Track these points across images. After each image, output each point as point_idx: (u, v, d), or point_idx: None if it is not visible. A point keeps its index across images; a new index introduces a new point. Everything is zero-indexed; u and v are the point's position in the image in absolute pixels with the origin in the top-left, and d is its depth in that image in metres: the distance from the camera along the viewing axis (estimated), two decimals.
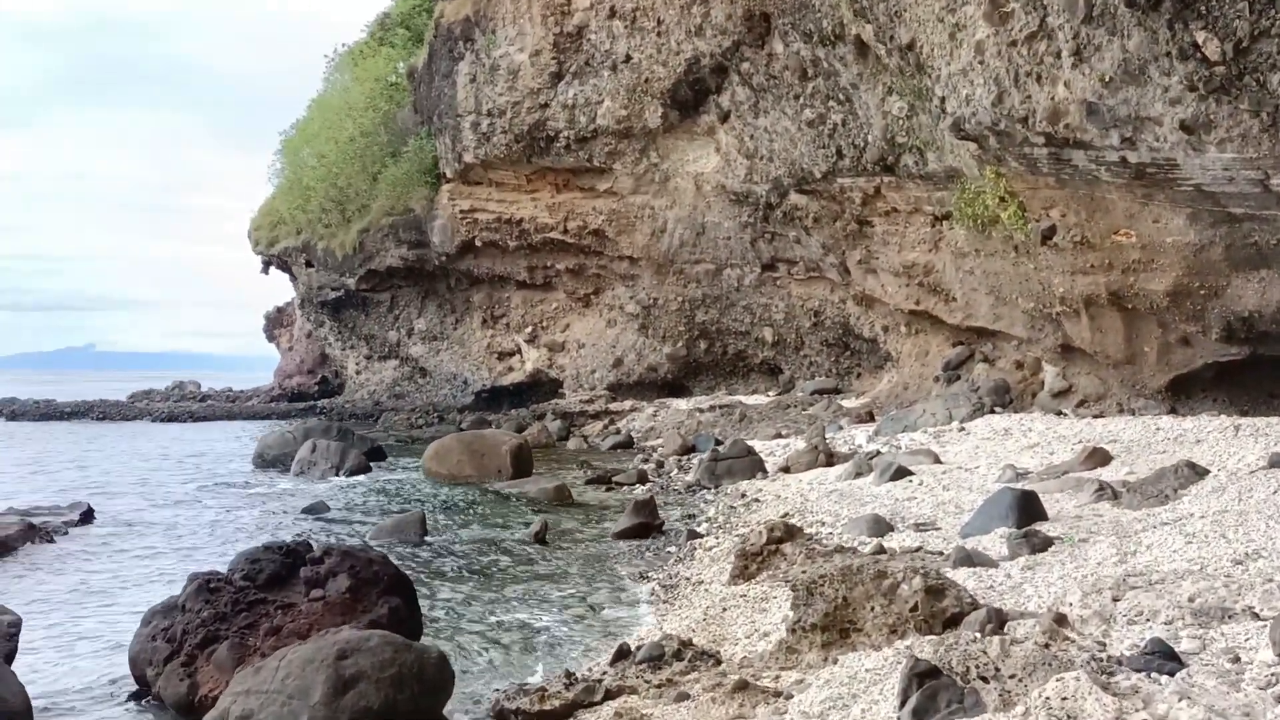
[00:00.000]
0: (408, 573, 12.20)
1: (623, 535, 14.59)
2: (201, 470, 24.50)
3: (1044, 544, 9.56)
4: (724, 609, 8.89)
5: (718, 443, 25.00)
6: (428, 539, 14.37)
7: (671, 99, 32.22)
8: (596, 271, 38.72)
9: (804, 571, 8.47)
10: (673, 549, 13.39)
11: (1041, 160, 15.57)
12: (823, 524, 12.83)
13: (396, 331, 45.97)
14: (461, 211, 40.25)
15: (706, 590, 10.02)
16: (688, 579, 11.03)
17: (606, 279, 38.66)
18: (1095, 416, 18.22)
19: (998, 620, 6.62)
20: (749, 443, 25.04)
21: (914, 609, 6.87)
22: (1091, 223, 16.13)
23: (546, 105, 35.52)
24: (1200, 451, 13.10)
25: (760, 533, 11.38)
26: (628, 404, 36.32)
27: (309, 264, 47.51)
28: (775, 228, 31.33)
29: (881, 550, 9.99)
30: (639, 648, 7.78)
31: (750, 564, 9.97)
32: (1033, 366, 22.29)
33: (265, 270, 55.12)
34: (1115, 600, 6.42)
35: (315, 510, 16.73)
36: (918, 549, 10.11)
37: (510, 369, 42.74)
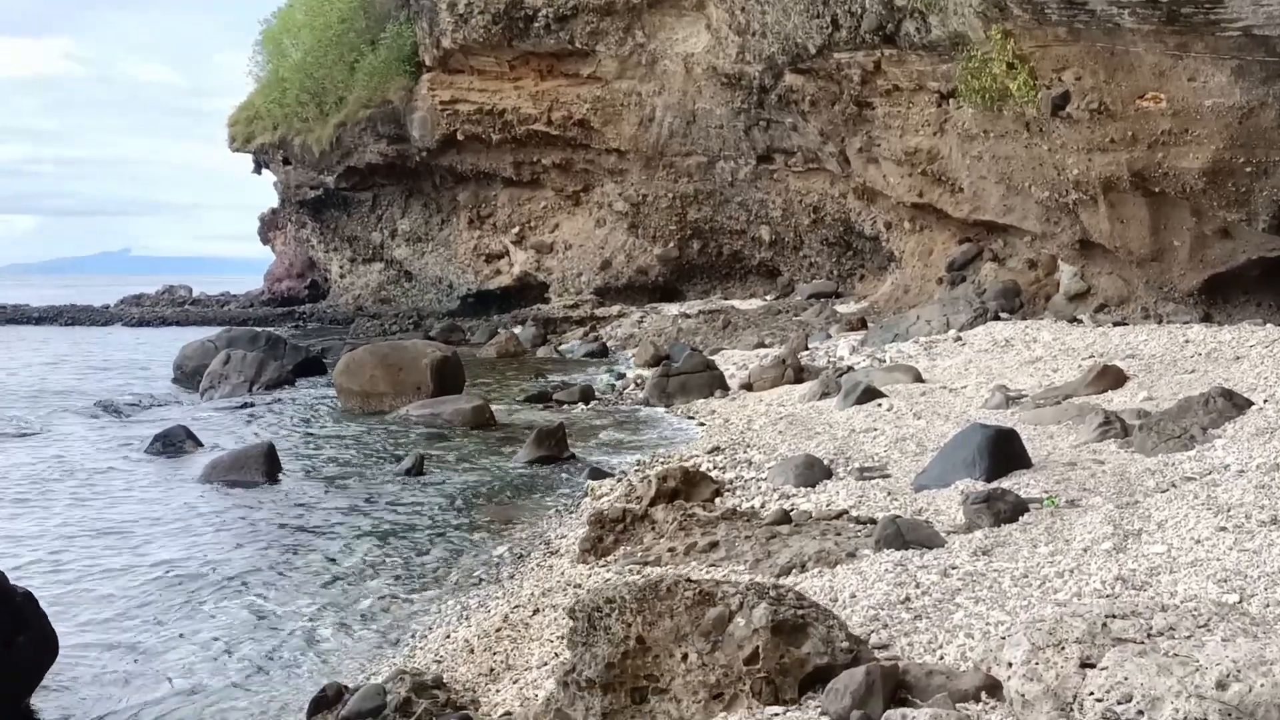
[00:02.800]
0: (217, 525, 9.76)
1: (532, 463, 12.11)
2: (107, 383, 21.98)
3: (1014, 510, 6.80)
4: (535, 611, 6.19)
5: (694, 352, 22.28)
6: (280, 477, 11.75)
7: None
8: (584, 167, 35.68)
9: (606, 584, 5.73)
10: (568, 489, 10.74)
11: (1051, 5, 12.46)
12: (749, 464, 10.09)
13: (380, 233, 43.14)
14: (442, 103, 37.11)
15: (549, 570, 7.31)
16: (548, 544, 8.33)
17: (595, 175, 35.62)
18: (1116, 324, 15.27)
19: (883, 686, 3.90)
20: (726, 352, 22.38)
21: (752, 659, 4.14)
22: (1112, 85, 13.01)
23: None
24: (1240, 373, 10.21)
25: (650, 482, 8.67)
26: (615, 309, 33.45)
27: (286, 161, 44.57)
28: (770, 114, 28.17)
29: (785, 517, 7.23)
30: (357, 690, 5.12)
31: (606, 535, 7.24)
32: (1047, 266, 19.28)
33: (257, 170, 52.33)
34: (1085, 667, 3.67)
35: (170, 440, 13.99)
36: (840, 514, 7.34)
37: (498, 272, 39.98)
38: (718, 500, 8.43)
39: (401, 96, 38.52)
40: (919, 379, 13.60)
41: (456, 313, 38.99)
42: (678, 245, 33.89)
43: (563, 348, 27.76)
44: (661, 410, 16.06)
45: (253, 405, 18.41)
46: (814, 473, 8.97)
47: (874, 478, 8.73)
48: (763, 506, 8.15)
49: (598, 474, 10.99)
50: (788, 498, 8.45)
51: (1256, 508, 5.73)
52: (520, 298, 38.48)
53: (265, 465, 11.78)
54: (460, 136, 37.12)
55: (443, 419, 15.58)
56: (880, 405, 12.05)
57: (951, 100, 20.20)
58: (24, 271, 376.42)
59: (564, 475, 11.55)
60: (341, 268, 46.11)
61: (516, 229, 38.74)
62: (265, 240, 61.41)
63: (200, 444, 14.25)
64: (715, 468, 10.03)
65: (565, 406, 17.15)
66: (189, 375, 22.19)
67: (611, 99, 32.74)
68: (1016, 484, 7.58)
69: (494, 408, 16.33)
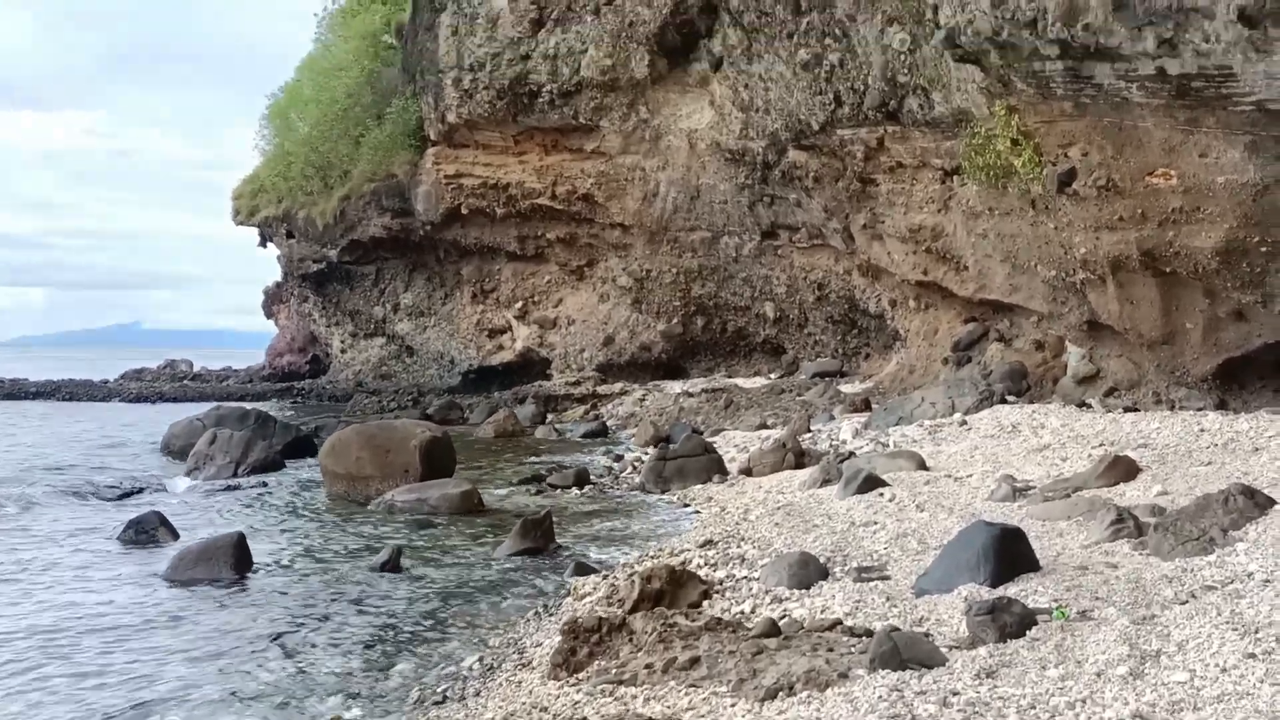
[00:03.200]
0: (167, 632, 9.10)
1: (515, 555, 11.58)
2: (94, 461, 21.47)
3: (1021, 623, 6.24)
4: None
5: (697, 433, 21.77)
6: (249, 570, 11.17)
7: (659, 45, 28.88)
8: (588, 241, 35.39)
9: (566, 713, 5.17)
10: (551, 587, 10.16)
11: (1056, 79, 12.07)
12: (742, 560, 9.53)
13: (382, 307, 42.81)
14: (446, 177, 36.98)
15: (517, 686, 6.74)
16: (521, 653, 7.75)
17: (599, 249, 35.32)
18: (1127, 409, 14.73)
19: None
20: (728, 433, 21.90)
21: None
22: (1120, 161, 12.59)
23: (528, 57, 32.20)
24: (1259, 466, 9.67)
25: (634, 582, 8.13)
26: (617, 386, 32.98)
27: (290, 234, 44.43)
28: (774, 189, 27.90)
29: (773, 630, 6.66)
30: None
31: (580, 646, 6.68)
32: (1055, 347, 18.81)
33: (262, 243, 52.26)
34: None
35: (143, 528, 13.35)
36: (833, 625, 6.78)
37: (500, 347, 39.53)
38: (705, 603, 7.88)
39: (406, 170, 38.45)
40: (923, 466, 13.05)
41: (457, 389, 38.54)
42: (681, 321, 33.49)
43: (561, 426, 27.23)
44: (657, 496, 15.51)
45: (238, 488, 17.87)
46: (809, 572, 8.40)
47: (872, 579, 8.17)
48: (753, 611, 7.60)
49: (583, 569, 10.43)
50: (780, 601, 7.89)
51: None
52: (522, 374, 38.00)
53: (234, 558, 11.16)
54: (464, 210, 36.93)
55: (428, 505, 14.98)
56: (882, 495, 11.50)
57: (955, 177, 19.89)
58: (29, 344, 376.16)
59: (548, 570, 10.94)
60: (343, 342, 45.78)
61: (520, 304, 38.42)
62: (269, 314, 61.31)
63: (174, 532, 13.42)
64: (706, 564, 9.48)
65: (559, 491, 16.58)
66: (176, 454, 21.70)
67: (615, 174, 32.56)
68: (1024, 590, 7.03)
69: (484, 492, 15.78)
